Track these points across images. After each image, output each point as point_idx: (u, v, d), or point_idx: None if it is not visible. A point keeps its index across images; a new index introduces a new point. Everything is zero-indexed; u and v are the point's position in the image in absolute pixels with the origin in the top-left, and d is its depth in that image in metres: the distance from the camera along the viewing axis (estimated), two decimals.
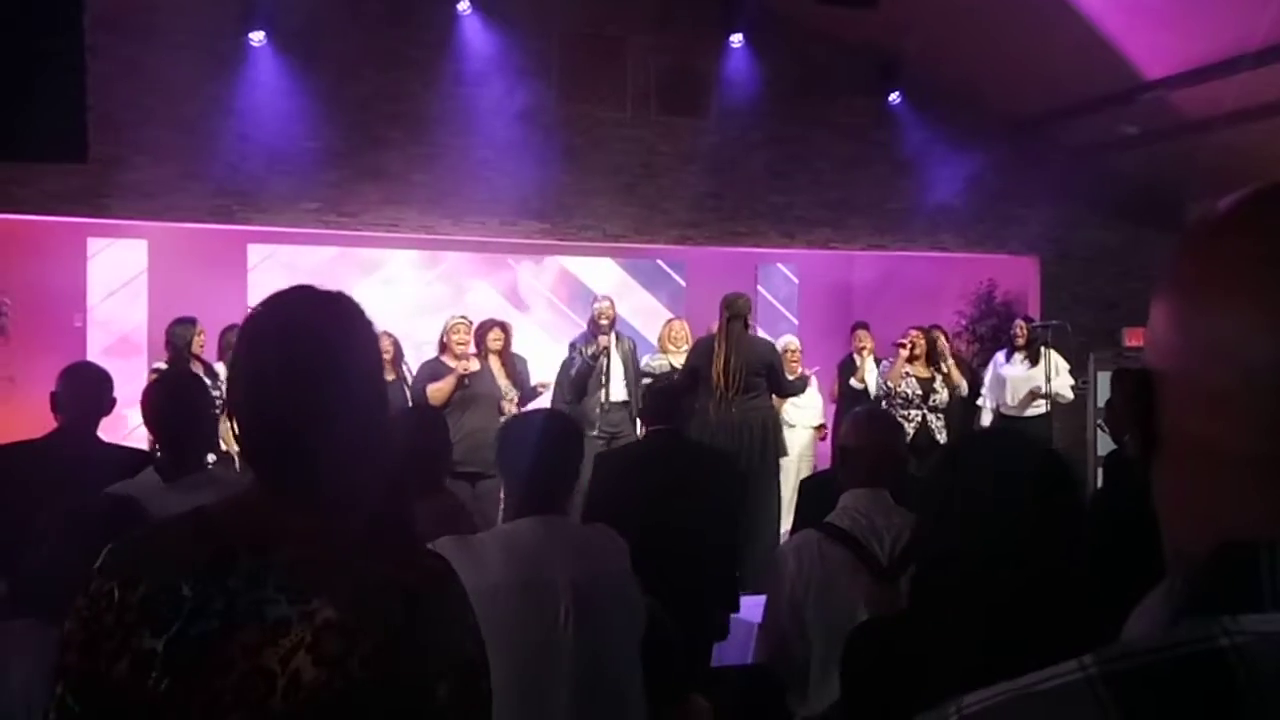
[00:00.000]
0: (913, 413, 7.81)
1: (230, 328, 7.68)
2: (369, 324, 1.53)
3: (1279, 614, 0.64)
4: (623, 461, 5.10)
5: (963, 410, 8.88)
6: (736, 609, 4.86)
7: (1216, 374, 0.70)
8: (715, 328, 7.52)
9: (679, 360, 8.38)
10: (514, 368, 8.16)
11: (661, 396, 4.99)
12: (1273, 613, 0.64)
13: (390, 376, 7.98)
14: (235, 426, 1.48)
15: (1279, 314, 0.68)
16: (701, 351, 7.37)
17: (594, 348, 7.95)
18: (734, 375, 7.10)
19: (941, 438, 8.00)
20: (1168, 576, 0.71)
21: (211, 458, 3.62)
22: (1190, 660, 0.63)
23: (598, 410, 7.89)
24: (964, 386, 8.42)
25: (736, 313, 7.26)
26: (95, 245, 9.73)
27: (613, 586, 2.68)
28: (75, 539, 2.29)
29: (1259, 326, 0.68)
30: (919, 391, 8.10)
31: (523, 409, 7.23)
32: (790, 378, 8.12)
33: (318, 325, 1.48)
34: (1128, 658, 0.64)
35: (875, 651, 1.94)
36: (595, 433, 7.79)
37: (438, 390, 7.30)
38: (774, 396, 7.78)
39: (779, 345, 8.44)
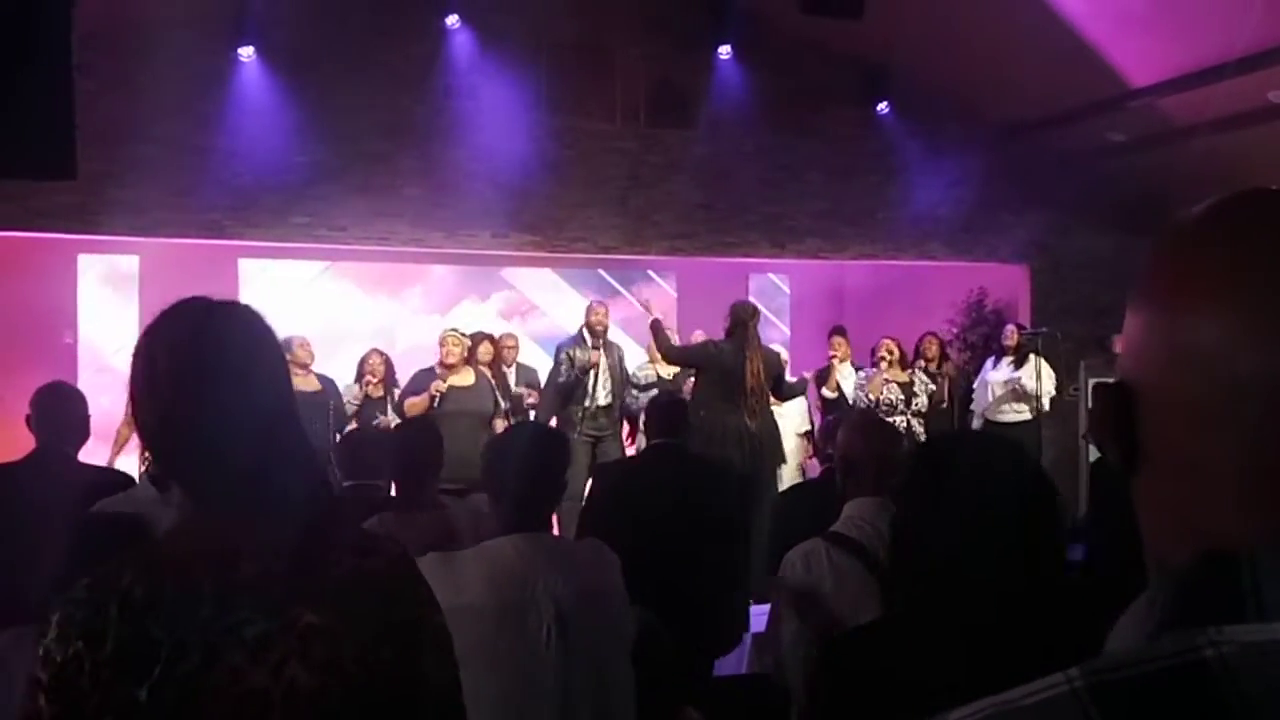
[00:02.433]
0: (896, 418, 7.82)
1: None
2: (268, 328, 1.50)
3: (1262, 624, 0.63)
4: (625, 474, 5.07)
5: (954, 417, 8.92)
6: (746, 626, 4.84)
7: (1197, 386, 0.69)
8: (724, 335, 7.47)
9: (665, 370, 8.39)
10: (506, 381, 8.15)
11: (664, 409, 4.98)
12: (1256, 623, 0.64)
13: (379, 394, 7.98)
14: (150, 454, 1.46)
15: (1259, 323, 0.67)
16: (710, 355, 7.29)
17: (585, 361, 7.94)
18: (759, 384, 7.12)
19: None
20: (1150, 588, 0.71)
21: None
22: (1176, 671, 0.63)
23: (580, 414, 7.90)
24: (945, 398, 8.47)
25: (751, 319, 7.27)
26: (86, 262, 9.71)
27: (600, 602, 2.65)
28: (82, 554, 2.28)
29: (1240, 337, 0.67)
30: (901, 397, 8.15)
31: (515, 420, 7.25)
32: (791, 380, 8.18)
33: (210, 333, 1.46)
34: (1114, 670, 0.64)
35: (854, 663, 1.93)
36: (578, 436, 7.81)
37: (413, 405, 7.36)
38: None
39: None
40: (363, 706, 1.35)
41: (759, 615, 4.48)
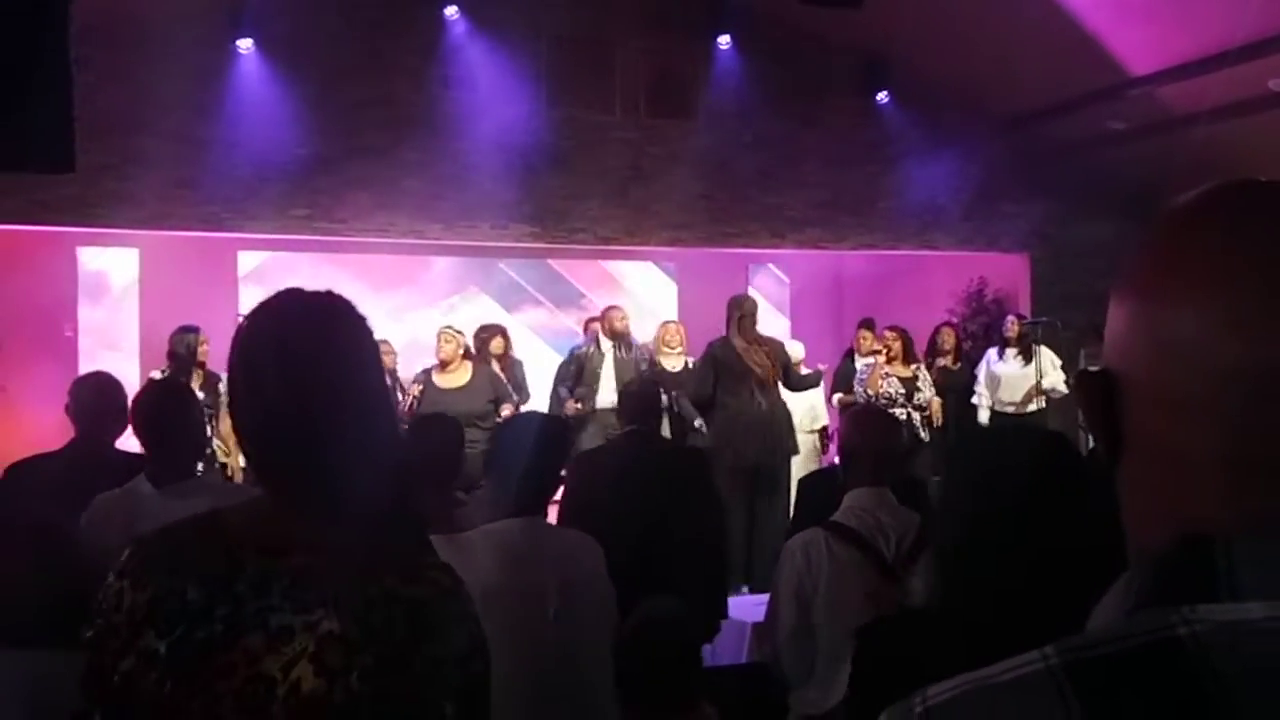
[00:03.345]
0: (896, 411, 7.80)
1: (180, 330, 7.57)
2: (363, 321, 1.49)
3: (1235, 604, 0.64)
4: (598, 463, 5.09)
5: (957, 407, 8.91)
6: (724, 614, 4.84)
7: (1180, 376, 0.69)
8: (728, 327, 7.49)
9: (673, 363, 8.38)
10: (513, 373, 8.16)
11: (635, 397, 4.99)
12: (1229, 603, 0.64)
13: (389, 382, 8.00)
14: (242, 441, 1.47)
15: (1241, 314, 0.67)
16: (726, 348, 7.33)
17: (585, 350, 8.01)
18: (771, 369, 7.17)
19: (925, 435, 8.03)
20: (1129, 570, 0.71)
21: (199, 466, 3.63)
22: (1149, 648, 0.64)
23: (596, 408, 7.96)
24: (931, 393, 8.42)
25: (749, 312, 7.31)
26: (86, 255, 9.71)
27: (591, 589, 2.71)
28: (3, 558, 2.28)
29: (1221, 328, 0.68)
30: (902, 391, 8.13)
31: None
32: (805, 372, 8.16)
33: (312, 329, 1.45)
34: (1088, 647, 0.65)
35: (887, 648, 1.94)
36: (596, 432, 7.85)
37: (401, 404, 7.36)
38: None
39: None
40: None
41: (760, 604, 4.49)
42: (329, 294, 1.50)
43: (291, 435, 1.41)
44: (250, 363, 1.45)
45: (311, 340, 1.43)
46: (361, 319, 1.48)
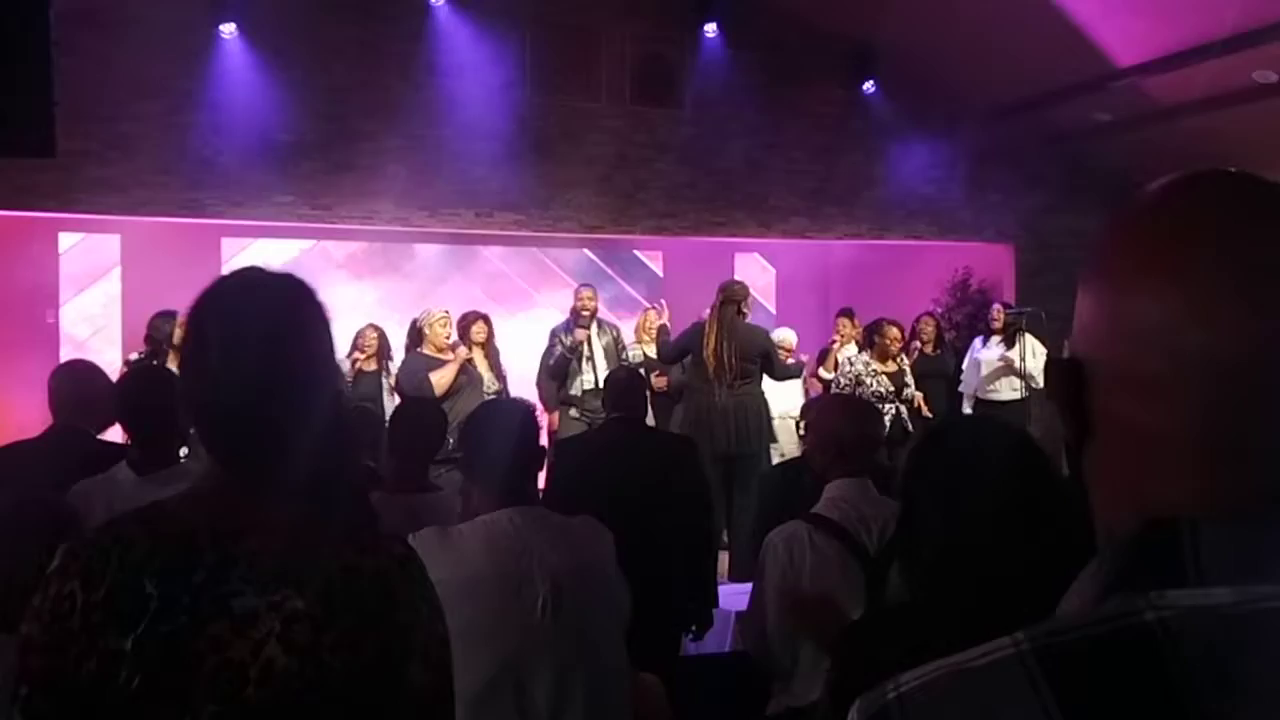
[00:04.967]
0: (886, 407, 7.81)
1: (158, 315, 7.56)
2: (319, 304, 1.50)
3: (1202, 589, 0.65)
4: (582, 450, 5.08)
5: (946, 395, 8.94)
6: (715, 603, 4.83)
7: (1144, 361, 0.71)
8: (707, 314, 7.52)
9: (651, 350, 8.39)
10: (496, 359, 8.15)
11: (617, 385, 4.99)
12: (1195, 588, 0.65)
13: (373, 368, 7.99)
14: (189, 417, 1.48)
15: (1204, 300, 0.69)
16: (693, 334, 7.37)
17: (572, 339, 7.95)
18: (727, 360, 7.10)
19: (912, 429, 8.05)
20: (1097, 554, 0.72)
21: (184, 451, 3.58)
22: (1118, 634, 0.65)
23: (579, 393, 7.93)
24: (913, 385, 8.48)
25: (730, 298, 7.25)
26: (67, 240, 9.65)
27: (595, 576, 2.67)
28: (5, 542, 2.26)
29: (1185, 313, 0.69)
30: (890, 387, 8.14)
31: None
32: (790, 362, 8.16)
33: (267, 307, 1.46)
34: (1058, 633, 0.66)
35: (870, 647, 1.93)
36: (576, 415, 7.85)
37: (442, 377, 7.25)
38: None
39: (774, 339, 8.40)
40: (336, 697, 1.35)
41: (743, 594, 4.49)
42: (287, 274, 1.51)
43: (240, 409, 1.42)
44: (203, 334, 1.46)
45: (266, 314, 1.45)
46: (317, 300, 1.49)
